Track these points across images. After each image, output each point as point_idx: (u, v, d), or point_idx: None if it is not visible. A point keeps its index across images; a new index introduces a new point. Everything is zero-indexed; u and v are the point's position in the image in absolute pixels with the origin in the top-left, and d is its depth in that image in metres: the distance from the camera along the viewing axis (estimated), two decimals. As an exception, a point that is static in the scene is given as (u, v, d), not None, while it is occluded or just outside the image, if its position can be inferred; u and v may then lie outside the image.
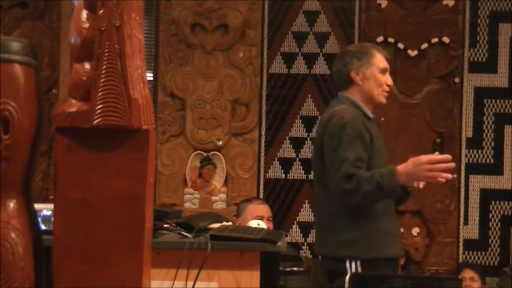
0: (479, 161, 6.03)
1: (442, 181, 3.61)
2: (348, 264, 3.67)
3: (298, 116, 6.06)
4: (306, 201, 6.01)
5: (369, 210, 3.69)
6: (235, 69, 6.03)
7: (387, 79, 3.87)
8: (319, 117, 5.85)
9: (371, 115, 3.84)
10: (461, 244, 6.00)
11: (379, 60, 3.86)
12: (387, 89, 3.87)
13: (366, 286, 3.30)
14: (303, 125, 6.05)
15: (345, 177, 3.59)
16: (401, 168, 3.64)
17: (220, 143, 6.01)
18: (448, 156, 3.64)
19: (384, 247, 3.71)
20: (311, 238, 5.95)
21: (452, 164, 3.62)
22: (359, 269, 3.65)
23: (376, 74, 3.84)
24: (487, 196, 6.02)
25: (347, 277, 3.59)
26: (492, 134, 6.04)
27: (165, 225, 3.16)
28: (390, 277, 3.37)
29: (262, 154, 6.05)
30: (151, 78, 6.03)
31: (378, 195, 3.64)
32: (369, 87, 3.84)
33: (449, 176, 3.61)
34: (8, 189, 2.11)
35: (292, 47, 6.08)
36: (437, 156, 3.63)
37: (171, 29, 6.04)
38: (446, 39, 6.01)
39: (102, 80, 2.10)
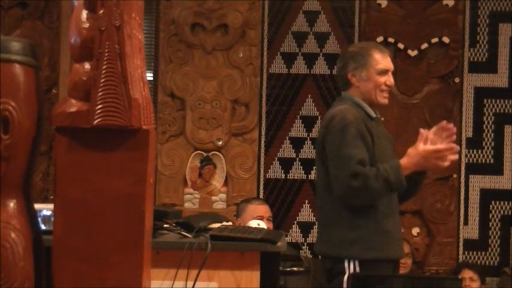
0: (479, 161, 6.03)
1: (447, 164, 3.74)
2: (346, 264, 3.66)
3: (298, 116, 6.06)
4: (306, 201, 6.00)
5: (370, 211, 3.69)
6: (235, 69, 6.03)
7: (387, 79, 3.81)
8: (320, 117, 5.89)
9: (373, 114, 3.82)
10: (461, 244, 6.00)
11: (377, 61, 3.80)
12: (386, 89, 3.81)
13: (365, 286, 3.31)
14: (303, 125, 6.05)
15: (352, 175, 3.59)
16: (406, 161, 3.67)
17: (220, 143, 6.01)
18: (452, 129, 3.73)
19: (384, 248, 3.70)
20: (311, 238, 5.95)
21: (457, 148, 3.74)
22: (357, 269, 3.64)
23: (372, 76, 3.79)
24: (487, 196, 6.01)
25: (345, 277, 3.60)
26: (492, 134, 6.04)
27: (165, 225, 3.16)
28: (389, 277, 3.37)
29: (262, 154, 6.04)
30: (151, 78, 6.03)
31: (385, 191, 3.64)
32: (367, 89, 3.81)
33: (455, 156, 3.73)
34: (8, 189, 2.11)
35: (292, 47, 6.08)
36: (441, 146, 3.70)
37: (171, 29, 6.04)
38: (446, 39, 6.01)
39: (102, 80, 2.10)
